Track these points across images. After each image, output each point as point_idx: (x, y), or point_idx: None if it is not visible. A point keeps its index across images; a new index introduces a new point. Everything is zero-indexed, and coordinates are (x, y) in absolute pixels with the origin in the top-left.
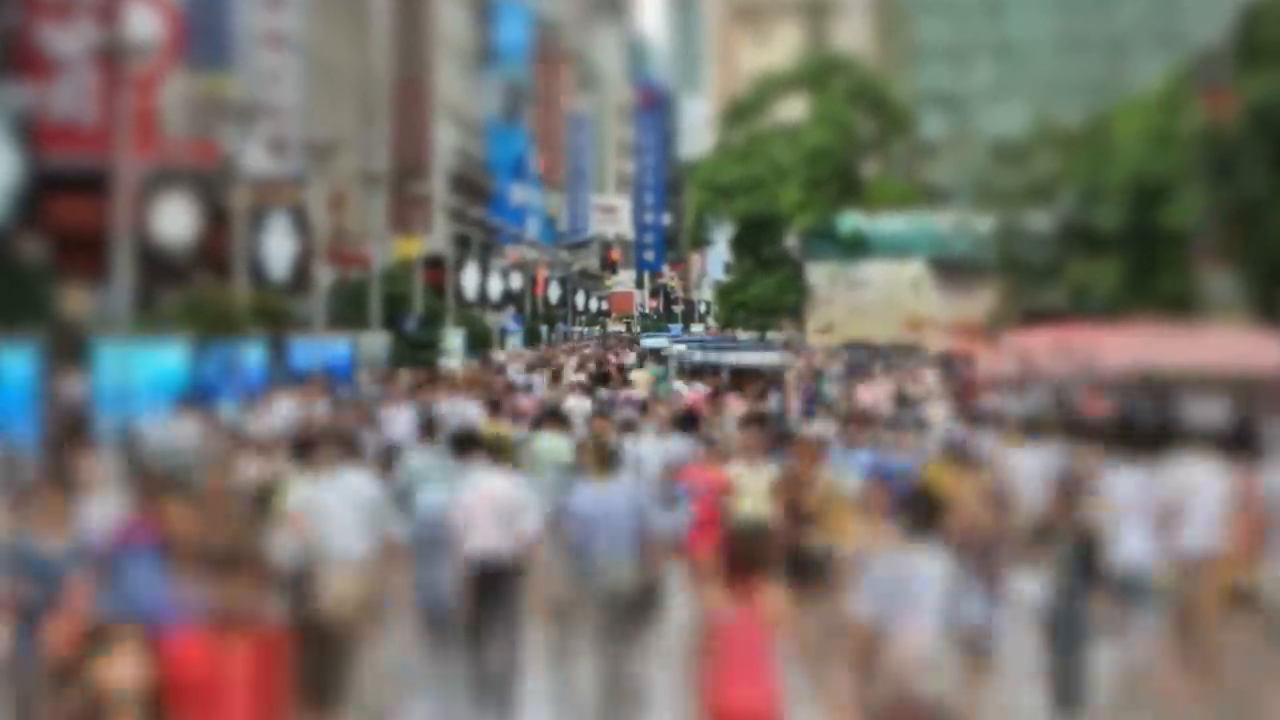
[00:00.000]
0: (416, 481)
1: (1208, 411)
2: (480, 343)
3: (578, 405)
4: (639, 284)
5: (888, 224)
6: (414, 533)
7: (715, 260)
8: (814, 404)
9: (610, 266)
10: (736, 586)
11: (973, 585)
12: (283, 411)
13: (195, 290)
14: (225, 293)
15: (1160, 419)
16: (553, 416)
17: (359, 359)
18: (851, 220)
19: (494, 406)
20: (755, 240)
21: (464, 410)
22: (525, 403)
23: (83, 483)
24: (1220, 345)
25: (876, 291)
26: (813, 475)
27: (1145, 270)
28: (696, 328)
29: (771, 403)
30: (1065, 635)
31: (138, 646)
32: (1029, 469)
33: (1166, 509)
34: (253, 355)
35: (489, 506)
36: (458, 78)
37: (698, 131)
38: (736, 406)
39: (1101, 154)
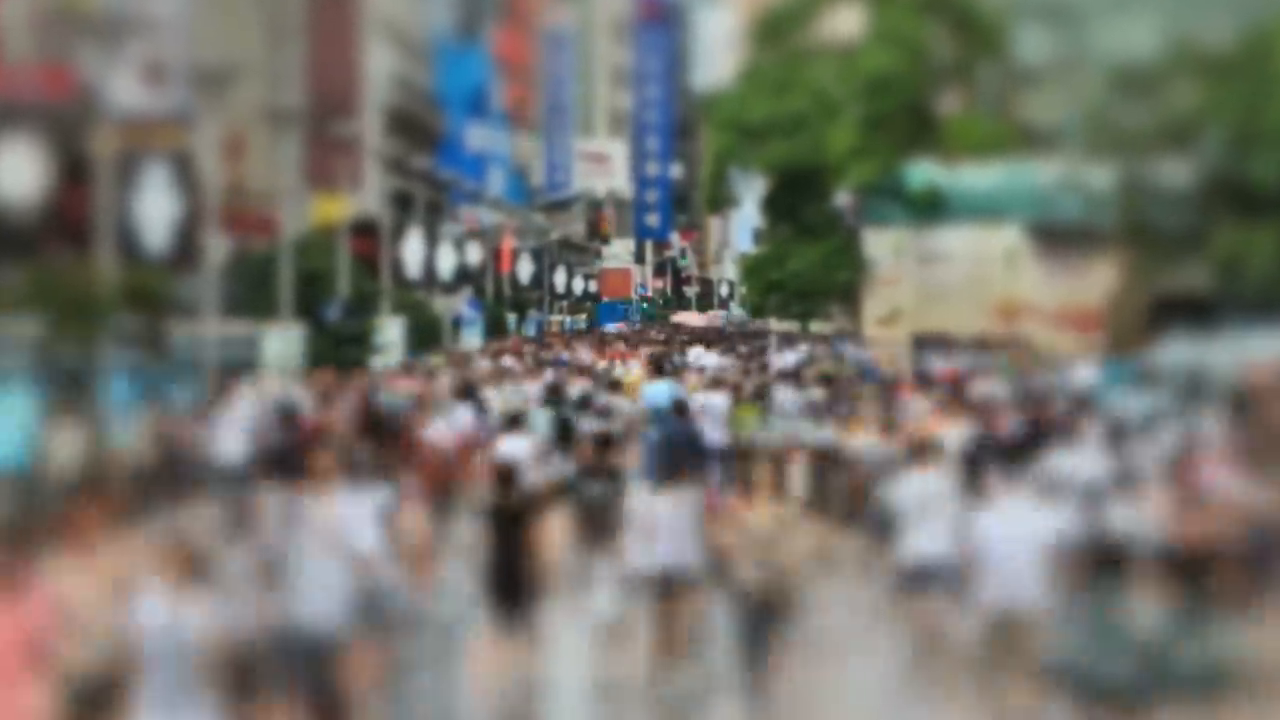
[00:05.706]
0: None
1: None
2: (426, 336)
3: None
4: (639, 258)
5: (973, 177)
6: None
7: (741, 226)
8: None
9: (600, 235)
10: None
11: None
12: None
13: (46, 265)
14: (85, 268)
15: None
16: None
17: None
18: (924, 172)
19: None
20: (795, 199)
21: None
22: None
23: None
24: None
25: (958, 267)
26: None
27: None
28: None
29: None
30: None
31: None
32: None
33: None
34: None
35: None
36: None
37: (718, 53)
38: None
39: (1258, 85)
